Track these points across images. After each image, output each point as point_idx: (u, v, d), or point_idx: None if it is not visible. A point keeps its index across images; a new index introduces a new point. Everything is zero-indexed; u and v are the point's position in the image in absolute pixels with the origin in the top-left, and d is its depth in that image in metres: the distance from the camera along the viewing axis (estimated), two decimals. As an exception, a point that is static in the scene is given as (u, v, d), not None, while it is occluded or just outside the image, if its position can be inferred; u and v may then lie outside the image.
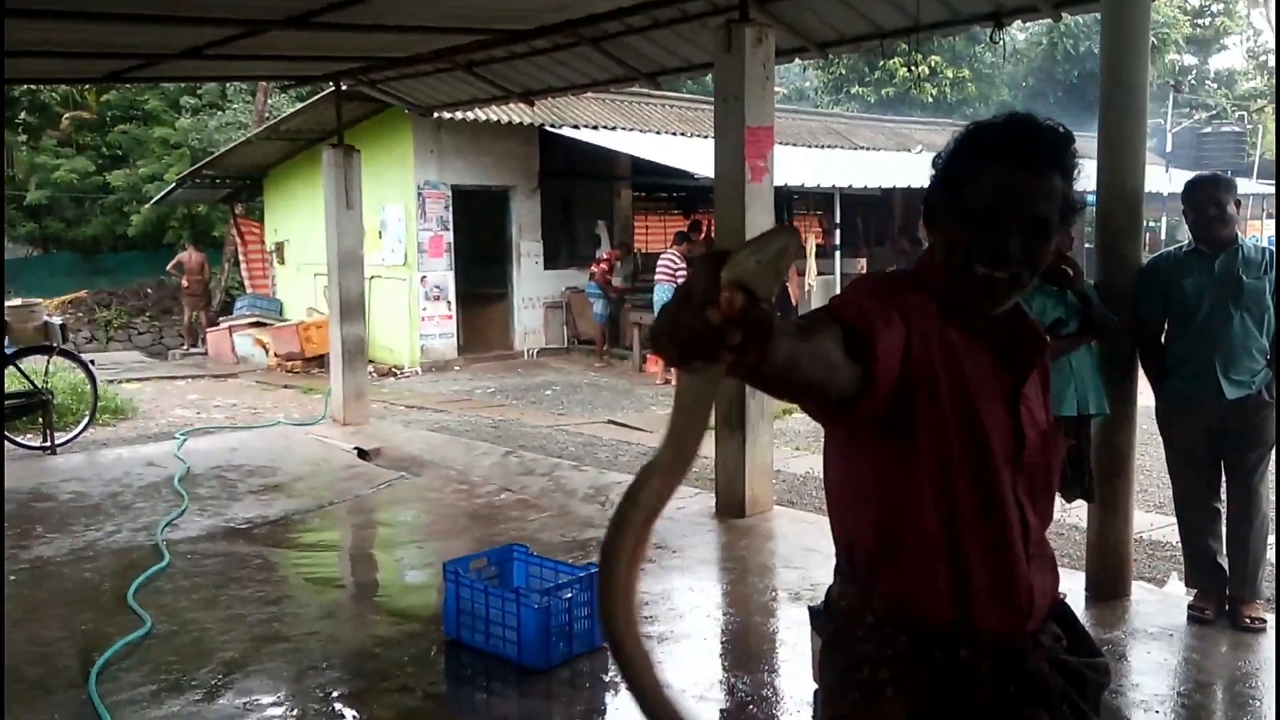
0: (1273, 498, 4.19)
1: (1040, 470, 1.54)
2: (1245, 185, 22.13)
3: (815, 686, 2.39)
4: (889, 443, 1.45)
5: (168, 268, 16.36)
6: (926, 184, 1.57)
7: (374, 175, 11.82)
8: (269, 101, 16.97)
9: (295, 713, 3.55)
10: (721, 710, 3.58)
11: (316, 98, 12.28)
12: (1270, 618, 4.09)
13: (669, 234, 14.37)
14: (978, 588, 1.47)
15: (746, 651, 4.11)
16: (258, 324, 14.36)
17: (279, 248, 15.61)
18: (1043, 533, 1.57)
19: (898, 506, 1.48)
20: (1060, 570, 5.03)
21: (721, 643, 4.24)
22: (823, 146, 17.16)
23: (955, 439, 1.44)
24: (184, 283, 15.90)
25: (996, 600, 1.48)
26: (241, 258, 16.44)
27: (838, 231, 14.35)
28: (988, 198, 1.45)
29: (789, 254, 1.03)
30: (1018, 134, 1.47)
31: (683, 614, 4.42)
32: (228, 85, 19.68)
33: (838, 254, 13.94)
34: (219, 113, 18.81)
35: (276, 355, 13.35)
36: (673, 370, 1.08)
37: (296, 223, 14.49)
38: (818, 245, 14.24)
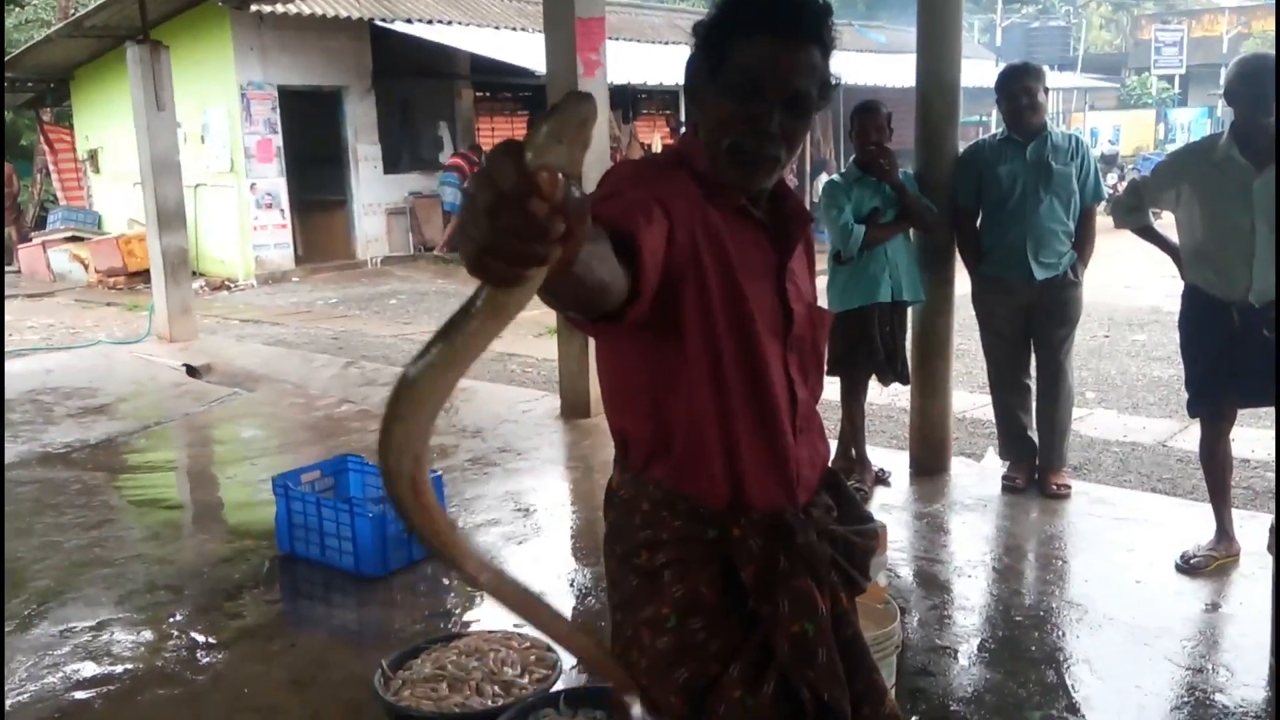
0: (1075, 372, 4.45)
1: (809, 344, 1.55)
2: (1070, 79, 23.11)
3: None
4: (655, 334, 1.41)
5: (-33, 178, 15.05)
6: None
7: (192, 76, 11.09)
8: (73, -3, 15.61)
9: (117, 637, 3.40)
10: (562, 602, 3.62)
11: (122, -10, 11.31)
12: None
13: (518, 136, 13.95)
14: (749, 466, 1.48)
15: (588, 546, 4.14)
16: (74, 238, 13.39)
17: (92, 156, 14.52)
18: (813, 406, 1.59)
19: (668, 396, 1.46)
20: (887, 450, 5.15)
21: (566, 538, 4.28)
22: (667, 43, 16.92)
23: (722, 321, 1.42)
24: (-11, 196, 14.68)
25: (767, 477, 1.49)
26: (52, 168, 15.24)
27: (683, 130, 14.28)
28: (748, 71, 1.42)
29: (591, 121, 0.90)
30: (777, 5, 1.43)
31: (527, 512, 4.43)
32: (24, -22, 17.98)
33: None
34: (18, 9, 17.21)
35: (97, 271, 12.53)
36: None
37: (110, 129, 13.45)
38: (665, 146, 14.15)
